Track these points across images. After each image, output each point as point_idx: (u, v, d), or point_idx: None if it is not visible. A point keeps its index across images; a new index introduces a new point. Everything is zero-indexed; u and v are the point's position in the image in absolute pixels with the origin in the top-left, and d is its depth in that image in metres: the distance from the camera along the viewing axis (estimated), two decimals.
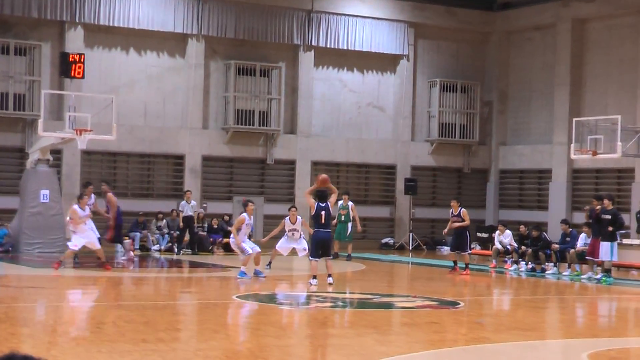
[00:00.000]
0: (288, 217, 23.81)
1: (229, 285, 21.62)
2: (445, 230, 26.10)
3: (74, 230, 23.25)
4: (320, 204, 20.52)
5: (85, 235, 23.15)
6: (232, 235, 22.84)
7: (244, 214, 22.37)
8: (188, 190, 31.48)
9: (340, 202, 29.14)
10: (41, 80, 31.32)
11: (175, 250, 30.78)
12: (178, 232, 31.52)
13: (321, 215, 20.38)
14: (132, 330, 13.46)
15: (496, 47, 38.46)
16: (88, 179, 30.12)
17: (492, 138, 38.66)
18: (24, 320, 14.93)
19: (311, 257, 20.80)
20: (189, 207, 30.69)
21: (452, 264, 25.70)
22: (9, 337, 12.55)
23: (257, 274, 22.26)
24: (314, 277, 20.35)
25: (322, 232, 20.47)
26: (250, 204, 22.78)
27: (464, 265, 25.07)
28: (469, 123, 38.19)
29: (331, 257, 20.92)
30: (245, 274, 21.90)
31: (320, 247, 20.48)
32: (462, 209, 25.10)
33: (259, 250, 22.61)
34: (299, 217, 23.79)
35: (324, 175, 21.04)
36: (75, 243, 23.07)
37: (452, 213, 25.29)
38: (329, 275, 20.55)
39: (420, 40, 37.70)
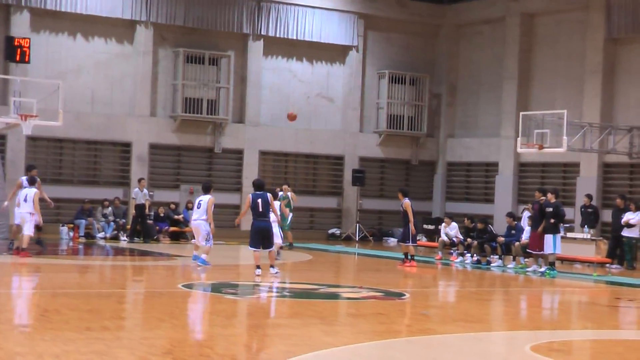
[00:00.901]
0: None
1: (174, 274, 21.52)
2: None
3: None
4: (256, 193, 20.42)
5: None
6: (205, 218, 22.46)
7: (212, 197, 22.54)
8: (142, 179, 31.35)
9: (280, 193, 29.10)
10: None
11: (126, 238, 30.62)
12: (124, 220, 31.39)
13: (257, 203, 20.24)
14: (77, 318, 13.34)
15: (446, 40, 38.63)
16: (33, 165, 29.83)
17: (440, 130, 38.84)
18: None
19: (250, 247, 20.63)
20: (142, 195, 30.62)
21: (401, 255, 25.78)
22: None
23: (195, 258, 22.57)
24: (258, 266, 20.36)
25: (259, 222, 20.32)
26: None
27: (409, 257, 25.12)
28: (417, 115, 38.33)
29: (272, 248, 20.74)
30: (206, 262, 22.01)
31: (259, 237, 20.33)
32: (406, 200, 24.91)
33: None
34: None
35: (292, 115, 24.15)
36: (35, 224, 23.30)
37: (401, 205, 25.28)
38: (272, 266, 20.51)
39: (370, 32, 37.75)
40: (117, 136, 33.46)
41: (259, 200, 20.25)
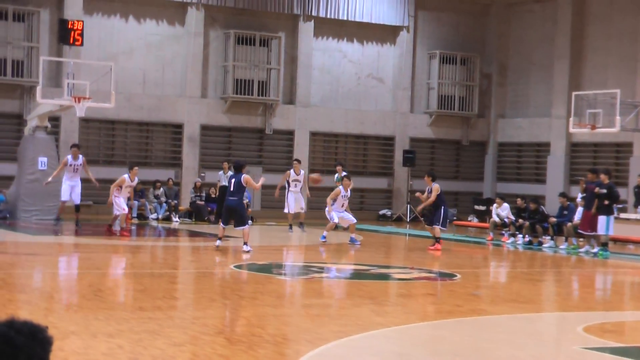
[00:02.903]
0: (292, 169, 27.05)
1: (226, 255, 21.65)
2: (419, 209, 26.10)
3: (117, 195, 24.22)
4: (234, 174, 21.26)
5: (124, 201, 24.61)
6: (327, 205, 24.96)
7: (340, 187, 24.89)
8: (225, 161, 31.61)
9: (336, 175, 29.33)
10: (40, 47, 31.21)
11: (178, 219, 30.90)
12: (176, 201, 31.59)
13: (231, 183, 21.01)
14: (129, 298, 13.50)
15: (496, 19, 38.36)
16: (83, 146, 30.18)
17: (491, 110, 38.63)
18: (22, 287, 14.96)
19: (221, 223, 21.41)
20: (225, 178, 30.95)
21: (448, 236, 25.61)
22: (7, 303, 12.59)
23: (352, 241, 24.23)
24: (219, 238, 21.33)
25: (229, 200, 20.99)
26: (346, 179, 25.29)
27: (434, 239, 24.48)
28: (468, 95, 38.15)
29: (245, 227, 20.84)
30: (324, 237, 24.16)
31: (228, 214, 21.09)
32: (434, 185, 24.14)
33: (354, 220, 24.91)
34: (302, 170, 27.22)
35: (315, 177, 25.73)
36: (123, 207, 24.29)
37: (427, 189, 24.25)
38: (245, 243, 20.60)
39: (421, 12, 37.59)
40: (168, 117, 33.68)
41: (233, 181, 20.99)
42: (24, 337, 3.29)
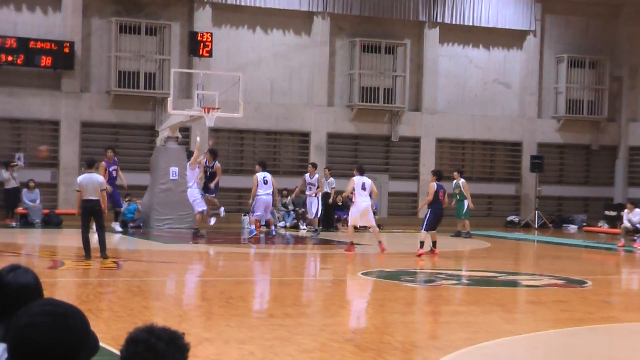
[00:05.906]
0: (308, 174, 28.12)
1: (354, 262, 21.77)
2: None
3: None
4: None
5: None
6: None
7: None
8: (326, 168, 31.68)
9: (454, 182, 29.42)
10: (171, 59, 31.91)
11: (306, 227, 30.98)
12: (304, 209, 31.83)
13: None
14: (260, 305, 13.71)
15: (627, 21, 37.58)
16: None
17: (622, 114, 37.87)
18: (156, 294, 15.35)
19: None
20: (326, 184, 31.05)
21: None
22: (142, 310, 12.94)
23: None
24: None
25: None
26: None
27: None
28: (597, 99, 37.49)
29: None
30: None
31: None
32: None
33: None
34: (317, 174, 28.17)
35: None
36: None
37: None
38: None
39: (548, 15, 37.11)
40: (295, 126, 34.01)
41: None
42: (164, 343, 3.38)
